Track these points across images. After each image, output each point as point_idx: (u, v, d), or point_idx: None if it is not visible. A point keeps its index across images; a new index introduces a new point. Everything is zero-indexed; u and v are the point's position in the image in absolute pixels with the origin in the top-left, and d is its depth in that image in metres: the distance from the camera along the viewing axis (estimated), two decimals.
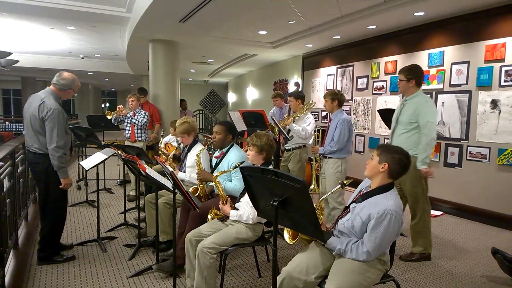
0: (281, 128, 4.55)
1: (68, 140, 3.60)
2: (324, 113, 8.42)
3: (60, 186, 3.41)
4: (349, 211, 2.32)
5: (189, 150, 4.00)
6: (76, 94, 3.68)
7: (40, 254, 3.56)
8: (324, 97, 4.42)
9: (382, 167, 2.24)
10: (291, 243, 2.33)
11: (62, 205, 3.62)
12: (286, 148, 4.94)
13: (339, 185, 2.43)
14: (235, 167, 2.99)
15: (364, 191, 2.34)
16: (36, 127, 3.35)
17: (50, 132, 3.29)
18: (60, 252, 3.72)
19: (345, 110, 4.45)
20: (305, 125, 4.71)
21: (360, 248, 2.16)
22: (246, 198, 2.86)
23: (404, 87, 3.79)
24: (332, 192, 2.57)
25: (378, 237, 2.12)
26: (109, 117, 6.01)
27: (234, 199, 3.13)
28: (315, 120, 8.71)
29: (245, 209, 2.86)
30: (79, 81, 3.66)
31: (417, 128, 3.64)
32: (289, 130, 4.69)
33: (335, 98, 4.31)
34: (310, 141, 4.91)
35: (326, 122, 4.61)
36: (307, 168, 6.00)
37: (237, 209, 2.95)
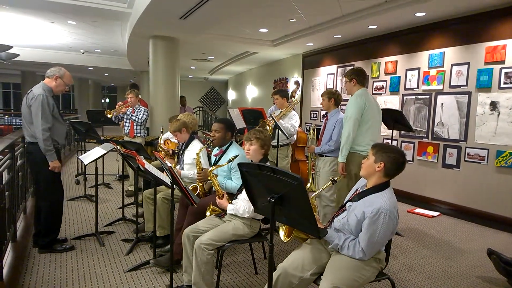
0: (281, 127, 4.58)
1: (62, 129, 3.68)
2: (324, 112, 8.44)
3: (49, 168, 3.50)
4: (345, 210, 2.34)
5: (186, 147, 4.00)
6: (67, 87, 3.74)
7: (40, 243, 3.64)
8: (322, 95, 4.51)
9: (378, 166, 2.25)
10: (286, 241, 2.35)
11: (55, 193, 3.67)
12: (273, 145, 4.97)
13: (330, 182, 2.44)
14: (229, 161, 3.04)
15: (360, 190, 2.36)
16: (26, 116, 3.49)
17: (35, 116, 3.42)
18: (60, 241, 3.78)
19: (342, 110, 4.54)
20: (293, 122, 4.89)
21: (357, 246, 2.18)
22: (243, 195, 2.87)
23: (348, 87, 4.13)
24: (323, 189, 2.59)
25: (372, 236, 2.13)
26: (109, 115, 6.00)
27: (231, 196, 3.14)
28: (315, 119, 8.79)
29: (241, 203, 2.87)
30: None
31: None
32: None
33: (332, 97, 4.41)
34: (295, 137, 5.02)
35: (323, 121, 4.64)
36: (304, 166, 6.02)
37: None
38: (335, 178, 2.44)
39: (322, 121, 4.67)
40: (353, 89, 4.03)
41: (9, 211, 3.42)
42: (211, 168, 3.14)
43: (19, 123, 16.68)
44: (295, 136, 5.04)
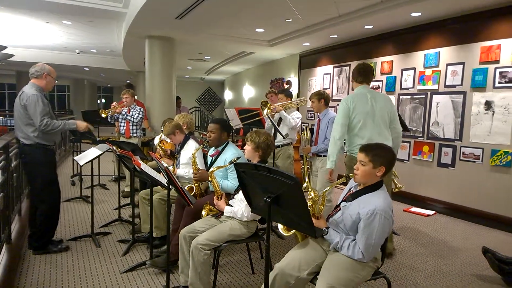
0: (276, 126, 4.58)
1: None
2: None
3: (80, 129, 3.79)
4: (340, 210, 2.33)
5: (182, 147, 3.99)
6: (56, 81, 3.75)
7: (34, 244, 3.62)
8: (310, 98, 4.52)
9: (379, 171, 2.21)
10: (287, 234, 2.36)
11: (52, 195, 3.67)
12: (276, 145, 4.97)
13: (343, 177, 2.45)
14: (231, 162, 3.01)
15: (354, 190, 2.35)
16: (20, 117, 3.47)
17: (34, 115, 3.42)
18: (55, 242, 3.76)
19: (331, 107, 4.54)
20: (294, 117, 4.84)
21: (356, 248, 2.16)
22: (240, 196, 2.87)
23: (353, 85, 3.92)
24: (337, 183, 2.59)
25: (369, 238, 2.12)
26: (103, 115, 5.97)
27: (228, 196, 3.13)
28: (311, 119, 8.80)
29: (239, 206, 2.87)
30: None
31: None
32: (280, 119, 4.76)
33: (322, 97, 4.43)
34: (294, 136, 5.01)
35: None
36: (298, 166, 6.05)
37: (232, 206, 2.96)
38: (349, 175, 2.45)
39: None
40: (354, 86, 3.88)
41: (4, 212, 3.41)
42: (212, 169, 3.13)
43: (13, 124, 16.61)
44: (295, 137, 4.99)
